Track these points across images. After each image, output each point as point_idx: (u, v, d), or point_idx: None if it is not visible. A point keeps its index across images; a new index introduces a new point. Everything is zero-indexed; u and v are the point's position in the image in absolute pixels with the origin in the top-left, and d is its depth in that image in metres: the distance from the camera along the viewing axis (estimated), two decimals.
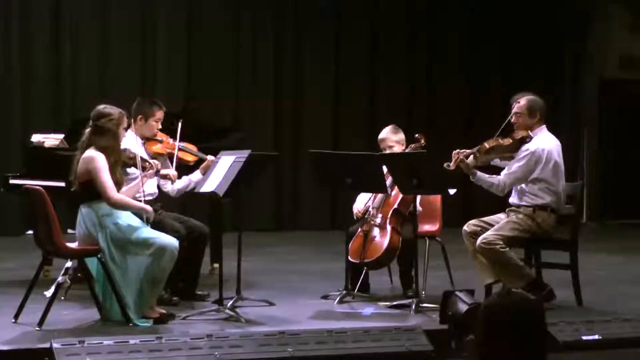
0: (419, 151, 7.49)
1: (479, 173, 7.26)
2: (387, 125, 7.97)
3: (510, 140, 7.28)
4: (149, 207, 6.70)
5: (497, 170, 7.43)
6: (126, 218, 6.55)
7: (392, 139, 7.80)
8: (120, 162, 6.67)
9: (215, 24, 12.77)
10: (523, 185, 7.26)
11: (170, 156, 7.56)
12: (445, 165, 7.14)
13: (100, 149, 6.51)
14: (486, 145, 7.25)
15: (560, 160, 7.31)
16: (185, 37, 12.68)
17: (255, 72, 13.05)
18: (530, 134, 7.28)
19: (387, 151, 7.74)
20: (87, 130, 6.62)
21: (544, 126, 7.36)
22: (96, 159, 6.46)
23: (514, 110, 7.33)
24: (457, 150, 7.23)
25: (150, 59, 12.51)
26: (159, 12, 12.56)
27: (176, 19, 12.64)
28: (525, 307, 3.02)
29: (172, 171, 7.43)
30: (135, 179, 6.95)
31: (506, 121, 7.32)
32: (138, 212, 6.70)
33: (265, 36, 13.08)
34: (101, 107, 6.71)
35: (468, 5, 13.98)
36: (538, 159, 7.21)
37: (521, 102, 7.33)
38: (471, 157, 7.25)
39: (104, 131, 6.56)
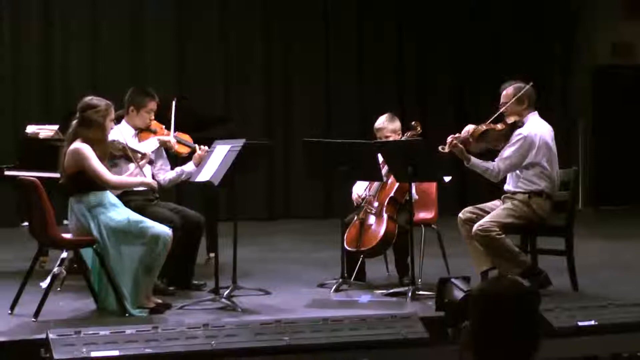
0: (415, 138, 7.48)
1: (473, 158, 7.26)
2: (379, 114, 7.93)
3: (503, 125, 7.28)
4: (150, 180, 6.69)
5: (490, 158, 7.42)
6: (117, 208, 6.54)
7: (389, 128, 7.75)
8: (107, 155, 6.64)
9: (204, 17, 12.75)
10: (518, 171, 7.26)
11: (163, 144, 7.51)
12: (440, 148, 7.15)
13: (87, 140, 6.48)
14: (481, 127, 7.24)
15: (553, 145, 7.31)
16: (175, 29, 12.68)
17: (246, 61, 13.02)
18: (522, 119, 7.29)
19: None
20: (74, 122, 6.58)
21: (536, 112, 7.36)
22: (82, 149, 6.43)
23: (502, 100, 7.33)
24: (452, 135, 7.24)
25: (140, 53, 12.50)
26: (148, 7, 12.55)
27: (165, 13, 12.63)
28: (518, 293, 3.01)
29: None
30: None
31: (498, 112, 7.32)
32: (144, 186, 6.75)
33: (255, 25, 13.06)
34: (88, 98, 6.66)
35: None
36: (531, 142, 7.21)
37: (508, 90, 7.33)
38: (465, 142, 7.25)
39: (90, 123, 6.51)
